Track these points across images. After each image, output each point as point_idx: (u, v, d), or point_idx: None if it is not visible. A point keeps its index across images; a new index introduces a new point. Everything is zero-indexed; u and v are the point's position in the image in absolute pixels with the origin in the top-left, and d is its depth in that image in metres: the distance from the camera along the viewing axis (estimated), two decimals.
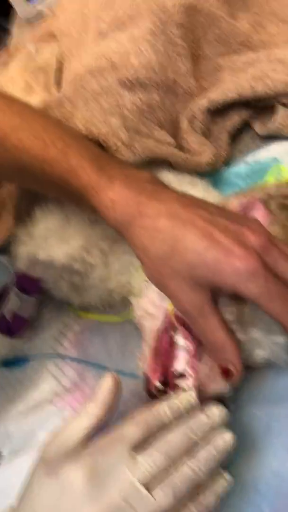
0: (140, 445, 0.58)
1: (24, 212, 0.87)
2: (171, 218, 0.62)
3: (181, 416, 0.60)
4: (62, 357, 0.90)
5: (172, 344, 0.67)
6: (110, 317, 0.88)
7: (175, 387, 0.65)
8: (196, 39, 1.01)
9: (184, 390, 0.64)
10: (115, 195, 0.66)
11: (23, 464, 0.65)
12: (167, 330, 0.68)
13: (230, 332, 0.63)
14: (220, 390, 0.64)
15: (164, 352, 0.68)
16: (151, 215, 0.63)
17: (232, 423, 0.62)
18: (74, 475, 0.56)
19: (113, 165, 0.72)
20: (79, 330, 0.93)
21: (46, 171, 0.71)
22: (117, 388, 0.63)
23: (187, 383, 0.65)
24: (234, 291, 0.59)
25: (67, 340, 0.92)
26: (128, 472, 0.55)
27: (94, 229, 0.82)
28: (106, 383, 0.62)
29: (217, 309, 0.63)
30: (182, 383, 0.65)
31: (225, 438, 0.59)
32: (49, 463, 0.59)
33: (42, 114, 0.82)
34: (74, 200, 0.76)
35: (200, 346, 0.66)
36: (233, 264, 0.57)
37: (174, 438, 0.58)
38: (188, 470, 0.56)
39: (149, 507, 0.54)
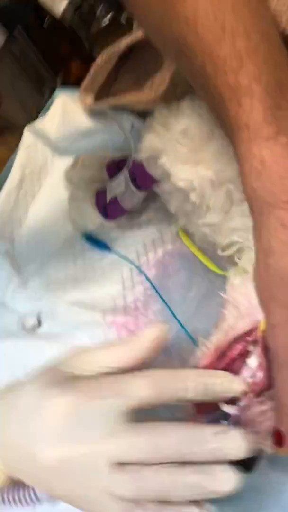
0: (138, 410, 0.47)
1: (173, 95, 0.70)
2: None
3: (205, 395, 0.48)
4: (140, 270, 0.78)
5: (241, 359, 0.54)
6: (206, 260, 0.74)
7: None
8: None
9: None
10: (271, 158, 0.46)
11: (54, 346, 0.65)
12: (246, 342, 0.54)
13: None
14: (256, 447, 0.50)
15: (229, 360, 0.55)
16: None
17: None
18: (60, 404, 0.48)
19: None
20: (170, 250, 0.81)
21: (206, 70, 0.50)
22: (159, 346, 0.51)
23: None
24: None
25: (154, 254, 0.81)
26: (106, 441, 0.46)
27: (233, 166, 0.62)
28: (153, 336, 0.51)
29: None
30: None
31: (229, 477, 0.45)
32: (52, 378, 0.51)
33: None
34: (220, 124, 0.54)
35: (267, 386, 0.52)
36: None
37: (174, 435, 0.46)
38: (167, 479, 0.45)
39: (103, 484, 0.46)
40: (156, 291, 0.76)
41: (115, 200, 0.79)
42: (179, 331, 0.70)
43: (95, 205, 0.83)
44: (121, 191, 0.77)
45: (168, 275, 0.78)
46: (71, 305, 0.80)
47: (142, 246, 0.82)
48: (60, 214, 0.92)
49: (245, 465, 0.47)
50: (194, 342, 0.66)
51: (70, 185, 0.88)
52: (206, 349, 0.54)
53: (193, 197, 0.65)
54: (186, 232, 0.78)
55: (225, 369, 0.54)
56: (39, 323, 0.81)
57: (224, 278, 0.63)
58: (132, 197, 0.77)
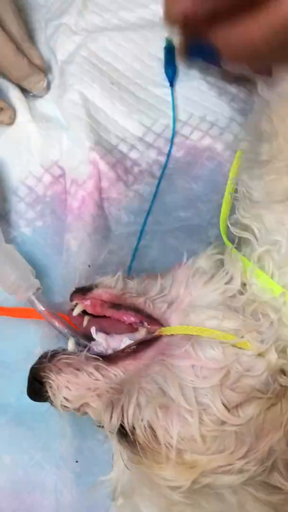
0: None
1: None
2: None
3: None
4: (173, 134, 0.65)
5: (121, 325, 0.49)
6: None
7: None
8: None
9: None
10: None
11: None
12: (141, 321, 0.48)
13: None
14: None
15: (116, 316, 0.49)
16: None
17: None
18: None
19: None
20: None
21: None
22: None
23: None
24: None
25: (201, 137, 0.66)
26: None
27: None
28: None
29: None
30: None
31: None
32: None
33: None
34: None
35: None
36: None
37: None
38: None
39: None
40: (162, 173, 0.63)
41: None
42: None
43: None
44: None
45: (187, 171, 0.64)
46: None
47: (199, 116, 0.66)
48: None
49: None
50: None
51: None
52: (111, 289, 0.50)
53: None
54: None
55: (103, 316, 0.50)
56: None
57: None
58: None
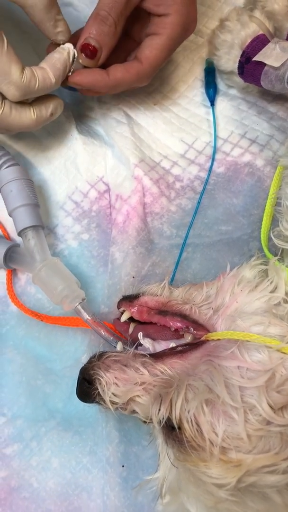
0: None
1: None
2: None
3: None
4: (215, 148, 0.68)
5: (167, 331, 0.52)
6: (265, 233, 0.68)
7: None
8: None
9: None
10: None
11: None
12: (186, 327, 0.50)
13: None
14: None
15: (162, 322, 0.51)
16: None
17: None
18: None
19: None
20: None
21: None
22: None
23: None
24: None
25: (241, 154, 0.69)
26: None
27: None
28: None
29: None
30: None
31: None
32: None
33: None
34: None
35: None
36: None
37: None
38: None
39: None
40: (203, 188, 0.65)
41: (259, 65, 0.63)
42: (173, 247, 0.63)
43: (243, 50, 0.66)
44: (276, 65, 0.61)
45: (227, 186, 0.66)
46: None
47: (239, 133, 0.68)
48: None
49: None
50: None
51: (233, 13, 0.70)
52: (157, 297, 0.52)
53: None
54: None
55: (152, 323, 0.52)
56: None
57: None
58: (277, 82, 0.62)
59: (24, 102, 0.57)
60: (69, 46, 0.58)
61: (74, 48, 0.58)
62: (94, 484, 0.55)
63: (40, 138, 0.68)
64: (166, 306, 0.50)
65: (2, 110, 0.55)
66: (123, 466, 0.55)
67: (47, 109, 0.59)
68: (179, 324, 0.49)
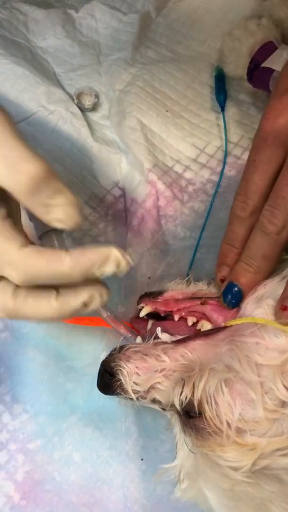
0: None
1: None
2: None
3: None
4: (226, 153, 0.70)
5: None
6: None
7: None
8: None
9: None
10: None
11: None
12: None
13: None
14: None
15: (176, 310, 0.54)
16: None
17: None
18: None
19: None
20: None
21: None
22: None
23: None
24: None
25: None
26: None
27: None
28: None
29: None
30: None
31: None
32: None
33: None
34: None
35: None
36: None
37: None
38: None
39: None
40: (215, 191, 0.67)
41: (268, 71, 0.66)
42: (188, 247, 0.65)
43: (251, 57, 0.68)
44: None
45: None
46: None
47: (249, 137, 0.70)
48: None
49: None
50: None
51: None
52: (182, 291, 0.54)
53: None
54: None
55: (169, 320, 0.54)
56: None
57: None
58: None
59: (45, 286, 0.45)
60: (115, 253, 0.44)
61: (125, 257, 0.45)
62: (115, 477, 0.57)
63: (58, 148, 0.71)
64: (195, 295, 0.53)
65: (17, 298, 0.44)
66: (142, 459, 0.57)
67: (77, 297, 0.45)
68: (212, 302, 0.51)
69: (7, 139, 0.40)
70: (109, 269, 0.44)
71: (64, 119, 0.71)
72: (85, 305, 0.46)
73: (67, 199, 0.43)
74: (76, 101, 0.73)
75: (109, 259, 0.44)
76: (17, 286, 0.44)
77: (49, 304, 0.44)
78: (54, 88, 0.73)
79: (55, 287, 0.45)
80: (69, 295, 0.45)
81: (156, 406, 0.50)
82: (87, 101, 0.74)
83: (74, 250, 0.43)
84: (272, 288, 0.49)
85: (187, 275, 0.63)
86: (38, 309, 0.44)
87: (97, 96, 0.74)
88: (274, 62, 0.65)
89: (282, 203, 0.47)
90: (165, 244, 0.65)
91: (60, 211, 0.42)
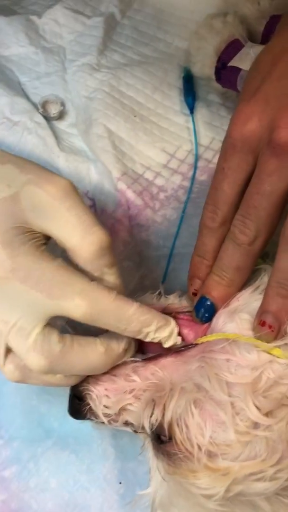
0: None
1: None
2: None
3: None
4: (197, 158, 0.69)
5: None
6: None
7: None
8: None
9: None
10: None
11: None
12: None
13: None
14: None
15: None
16: None
17: None
18: None
19: None
20: None
21: None
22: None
23: None
24: None
25: None
26: None
27: None
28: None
29: None
30: None
31: None
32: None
33: None
34: None
35: None
36: None
37: None
38: None
39: None
40: (187, 197, 0.65)
41: (235, 70, 0.64)
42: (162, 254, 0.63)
43: (218, 56, 0.67)
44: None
45: None
46: None
47: (220, 139, 0.66)
48: None
49: None
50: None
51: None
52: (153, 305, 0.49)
53: None
54: None
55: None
56: None
57: None
58: None
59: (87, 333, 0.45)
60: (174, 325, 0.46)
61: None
62: (93, 503, 0.54)
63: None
64: (166, 310, 0.50)
65: (63, 344, 0.42)
66: (120, 483, 0.55)
67: (119, 344, 0.45)
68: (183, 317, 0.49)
69: (78, 205, 0.43)
70: (162, 335, 0.45)
71: (29, 129, 0.69)
72: (125, 351, 0.46)
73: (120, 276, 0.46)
74: (41, 110, 0.70)
75: (167, 328, 0.46)
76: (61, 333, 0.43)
77: (95, 350, 0.44)
78: (18, 98, 0.70)
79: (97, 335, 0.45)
80: (112, 341, 0.45)
81: (129, 429, 0.47)
82: (53, 110, 0.71)
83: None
84: (245, 301, 0.47)
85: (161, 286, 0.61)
86: (85, 356, 0.44)
87: (63, 104, 0.72)
88: (241, 61, 0.63)
89: (253, 212, 0.45)
90: (138, 255, 0.63)
91: (114, 279, 0.46)
